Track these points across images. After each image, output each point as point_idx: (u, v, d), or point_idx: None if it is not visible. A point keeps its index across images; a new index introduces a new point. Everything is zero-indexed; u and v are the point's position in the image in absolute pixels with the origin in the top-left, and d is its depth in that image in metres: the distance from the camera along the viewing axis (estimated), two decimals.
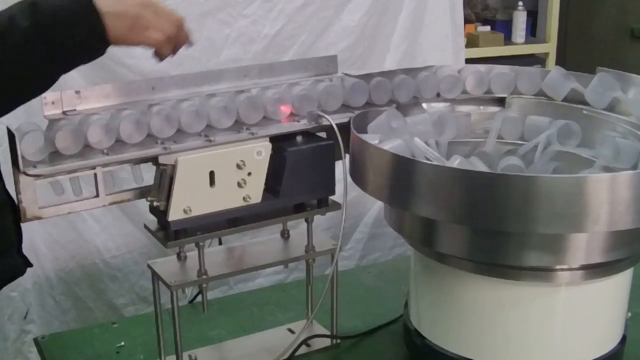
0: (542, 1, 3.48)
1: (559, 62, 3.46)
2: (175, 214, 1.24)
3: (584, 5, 3.93)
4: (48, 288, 2.03)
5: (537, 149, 1.41)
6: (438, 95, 1.54)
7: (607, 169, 1.31)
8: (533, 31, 3.55)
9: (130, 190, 1.27)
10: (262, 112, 1.34)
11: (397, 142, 1.27)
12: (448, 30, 2.38)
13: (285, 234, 1.49)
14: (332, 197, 1.41)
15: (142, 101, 1.28)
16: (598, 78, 1.44)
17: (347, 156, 1.31)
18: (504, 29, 3.45)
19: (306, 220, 1.42)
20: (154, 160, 1.23)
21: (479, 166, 1.32)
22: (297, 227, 1.54)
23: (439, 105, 1.55)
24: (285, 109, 1.37)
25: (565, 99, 1.49)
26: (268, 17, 2.08)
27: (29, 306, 2.00)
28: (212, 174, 1.25)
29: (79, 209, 1.24)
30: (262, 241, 1.49)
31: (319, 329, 1.55)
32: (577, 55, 3.93)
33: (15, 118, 1.16)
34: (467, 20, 2.81)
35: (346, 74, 1.47)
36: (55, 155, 1.17)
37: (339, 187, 1.37)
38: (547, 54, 3.42)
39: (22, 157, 1.13)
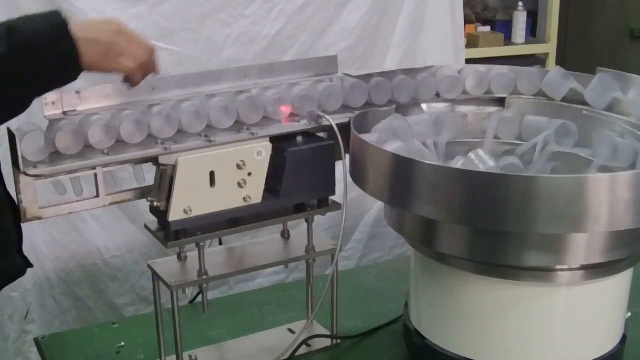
0: (542, 1, 3.48)
1: (559, 62, 3.46)
2: (175, 214, 1.24)
3: (583, 5, 3.92)
4: (48, 288, 2.03)
5: (535, 149, 1.41)
6: (438, 95, 1.54)
7: (604, 168, 1.31)
8: (533, 31, 3.55)
9: (130, 190, 1.28)
10: (262, 112, 1.34)
11: (398, 144, 1.27)
12: (448, 31, 2.38)
13: (285, 234, 1.49)
14: (332, 197, 1.41)
15: (142, 101, 1.28)
16: (598, 78, 1.44)
17: (347, 156, 1.31)
18: (504, 29, 3.45)
19: (306, 220, 1.42)
20: (154, 160, 1.24)
21: (485, 158, 1.32)
22: (297, 227, 1.54)
23: (439, 106, 1.55)
24: (285, 109, 1.37)
25: (564, 99, 1.50)
26: (268, 17, 2.08)
27: (29, 306, 2.00)
28: (212, 174, 1.25)
29: (79, 209, 1.24)
30: (262, 241, 1.50)
31: (319, 329, 1.55)
32: (577, 55, 3.93)
33: (16, 118, 1.16)
34: (467, 20, 2.81)
35: (346, 74, 1.47)
36: (55, 155, 1.17)
37: (339, 187, 1.37)
38: (547, 54, 3.42)
39: (22, 157, 1.13)
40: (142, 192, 1.28)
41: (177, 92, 1.32)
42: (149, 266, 1.37)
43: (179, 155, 1.22)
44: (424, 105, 1.53)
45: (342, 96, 1.42)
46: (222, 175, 1.26)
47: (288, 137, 1.34)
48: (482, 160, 1.32)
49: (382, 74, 1.47)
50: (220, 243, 1.48)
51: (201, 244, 1.31)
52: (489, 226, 1.14)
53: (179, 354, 1.36)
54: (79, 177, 1.20)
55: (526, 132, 1.48)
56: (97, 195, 1.23)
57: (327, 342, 1.52)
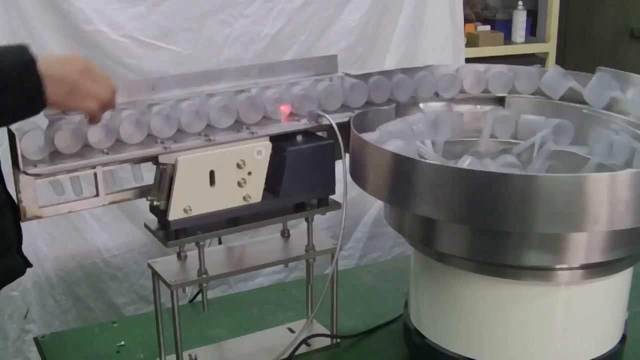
0: (542, 1, 3.47)
1: (559, 61, 3.46)
2: (175, 214, 1.24)
3: (583, 5, 3.92)
4: (48, 287, 2.03)
5: (532, 148, 1.41)
6: (436, 94, 1.54)
7: (601, 166, 1.31)
8: (533, 31, 3.55)
9: (130, 189, 1.28)
10: (262, 111, 1.34)
11: (397, 143, 1.27)
12: (448, 30, 2.38)
13: (285, 234, 1.49)
14: (332, 197, 1.41)
15: (142, 101, 1.28)
16: (597, 77, 1.44)
17: (347, 155, 1.31)
18: (504, 28, 3.44)
19: (306, 220, 1.42)
20: (154, 159, 1.24)
21: (491, 168, 1.31)
22: (297, 226, 1.54)
23: (438, 105, 1.55)
24: (285, 109, 1.37)
25: (563, 98, 1.50)
26: (268, 17, 2.08)
27: (29, 305, 2.00)
28: (212, 173, 1.25)
29: (79, 209, 1.24)
30: (262, 240, 1.50)
31: (319, 329, 1.55)
32: (576, 55, 3.93)
33: None
34: (467, 20, 2.81)
35: (346, 74, 1.47)
36: (55, 155, 1.17)
37: (339, 187, 1.37)
38: (547, 54, 3.42)
39: (22, 156, 1.13)
40: (142, 192, 1.28)
41: (177, 92, 1.32)
42: (149, 265, 1.37)
43: (179, 154, 1.22)
44: (422, 105, 1.53)
45: (342, 96, 1.42)
46: (222, 175, 1.26)
47: (288, 137, 1.34)
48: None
49: (382, 73, 1.47)
50: (220, 242, 1.48)
51: (201, 243, 1.31)
52: (489, 226, 1.14)
53: (179, 353, 1.36)
54: (79, 176, 1.20)
55: (522, 130, 1.48)
56: (97, 195, 1.23)
57: (327, 341, 1.52)
